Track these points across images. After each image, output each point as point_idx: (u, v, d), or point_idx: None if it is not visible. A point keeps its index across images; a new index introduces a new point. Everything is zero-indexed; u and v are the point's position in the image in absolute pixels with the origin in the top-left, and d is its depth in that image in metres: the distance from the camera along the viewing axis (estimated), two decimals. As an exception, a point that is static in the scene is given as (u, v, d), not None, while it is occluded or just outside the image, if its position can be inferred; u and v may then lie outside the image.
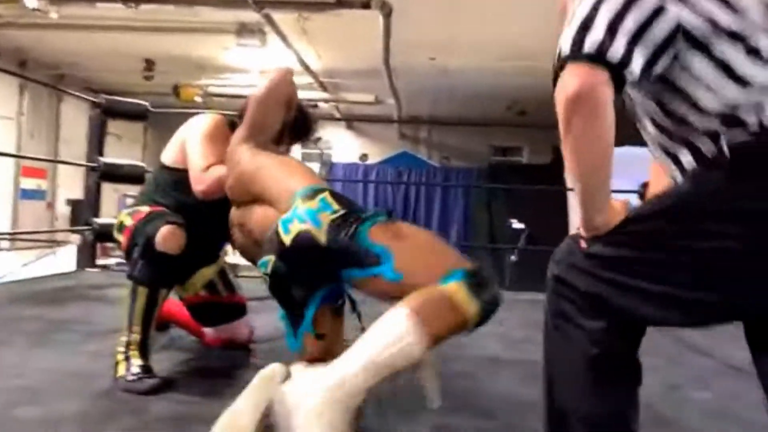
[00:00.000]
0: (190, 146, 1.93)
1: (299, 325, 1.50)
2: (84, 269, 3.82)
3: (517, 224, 7.80)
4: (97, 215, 3.85)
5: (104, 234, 3.35)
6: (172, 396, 1.62)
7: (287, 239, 1.41)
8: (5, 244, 7.27)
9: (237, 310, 2.15)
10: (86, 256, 3.77)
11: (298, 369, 1.44)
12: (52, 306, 2.66)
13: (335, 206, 1.45)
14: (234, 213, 1.78)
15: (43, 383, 1.65)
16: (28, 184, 7.94)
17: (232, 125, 1.99)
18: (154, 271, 1.75)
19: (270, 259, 1.45)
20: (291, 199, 1.50)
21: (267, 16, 5.44)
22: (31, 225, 7.61)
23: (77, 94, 4.31)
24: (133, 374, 1.65)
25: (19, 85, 7.74)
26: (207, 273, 2.11)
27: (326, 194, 1.49)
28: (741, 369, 2.06)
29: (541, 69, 7.79)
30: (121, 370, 1.68)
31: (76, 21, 6.07)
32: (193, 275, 2.08)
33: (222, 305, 2.11)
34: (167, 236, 1.71)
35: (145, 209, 1.88)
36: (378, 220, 1.43)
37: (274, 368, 1.37)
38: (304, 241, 1.40)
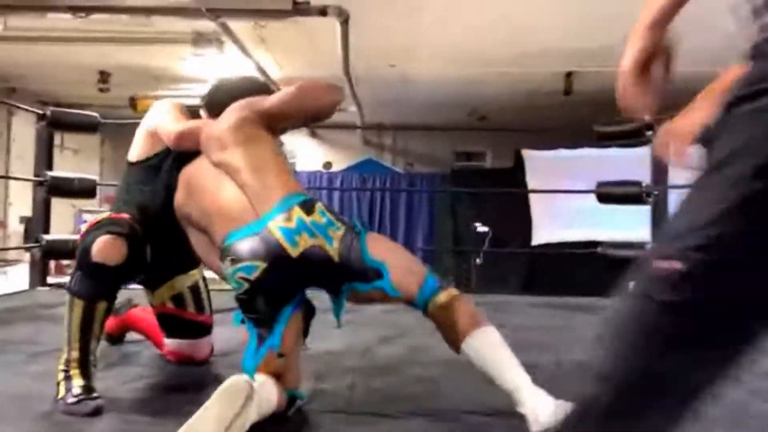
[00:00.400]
0: (160, 121, 1.86)
1: (265, 339, 1.48)
2: (35, 288, 3.68)
3: (481, 227, 7.86)
4: (47, 231, 3.71)
5: (54, 251, 3.23)
6: (120, 415, 1.55)
7: (294, 251, 1.44)
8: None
9: (202, 328, 2.06)
10: (37, 275, 3.62)
11: (261, 380, 1.40)
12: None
13: (337, 222, 1.54)
14: (189, 171, 1.72)
15: (-19, 408, 1.56)
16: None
17: (194, 114, 1.94)
18: (90, 283, 1.65)
19: (259, 265, 1.42)
20: (277, 202, 1.50)
21: (223, 24, 5.36)
22: (-18, 244, 7.34)
23: (22, 106, 4.16)
24: (74, 396, 1.56)
25: (-34, 99, 7.46)
26: (178, 284, 2.01)
27: (322, 207, 1.56)
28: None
29: (498, 75, 7.93)
30: (62, 391, 1.59)
31: (25, 33, 5.88)
32: (164, 282, 1.99)
33: (186, 321, 2.02)
34: (103, 247, 1.61)
35: (104, 216, 1.81)
36: (366, 233, 1.56)
37: (240, 382, 1.33)
38: (315, 256, 1.46)
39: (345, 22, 4.81)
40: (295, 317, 1.53)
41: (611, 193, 3.39)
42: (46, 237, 3.30)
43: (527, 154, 8.39)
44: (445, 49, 6.58)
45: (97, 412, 1.54)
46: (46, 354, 2.08)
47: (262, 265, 1.43)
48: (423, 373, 1.97)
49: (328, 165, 9.85)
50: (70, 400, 1.56)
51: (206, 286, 2.11)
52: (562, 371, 2.01)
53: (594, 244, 3.81)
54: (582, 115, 6.02)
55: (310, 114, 1.82)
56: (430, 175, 9.15)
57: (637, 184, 3.24)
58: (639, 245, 3.22)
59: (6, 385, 1.75)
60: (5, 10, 4.60)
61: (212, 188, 1.62)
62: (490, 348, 1.53)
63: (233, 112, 1.69)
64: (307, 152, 11.03)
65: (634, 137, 3.27)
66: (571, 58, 6.97)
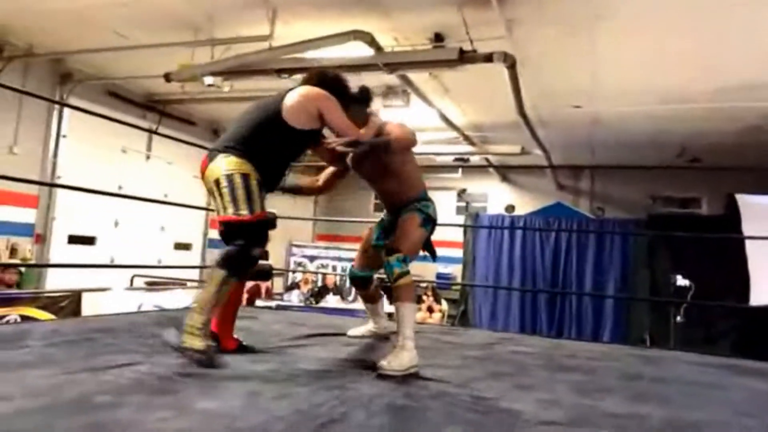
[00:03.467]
0: (335, 113, 2.42)
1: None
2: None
3: (681, 280, 7.05)
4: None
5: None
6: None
7: None
8: (193, 284, 8.46)
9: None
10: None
11: None
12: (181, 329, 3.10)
13: None
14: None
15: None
16: (216, 234, 9.19)
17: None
18: (245, 269, 2.25)
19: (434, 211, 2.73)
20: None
21: (404, 77, 5.83)
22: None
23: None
24: (206, 349, 2.12)
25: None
26: None
27: None
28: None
29: (702, 111, 7.20)
30: (199, 343, 2.12)
31: (251, 93, 7.08)
32: None
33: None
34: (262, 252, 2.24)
35: (257, 209, 2.23)
36: None
37: None
38: None
39: (512, 66, 4.89)
40: None
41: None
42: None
43: (743, 199, 7.36)
44: (631, 88, 6.23)
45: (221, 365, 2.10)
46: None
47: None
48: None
49: (510, 208, 9.76)
50: (209, 349, 2.13)
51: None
52: (662, 427, 1.81)
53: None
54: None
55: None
56: (623, 221, 8.50)
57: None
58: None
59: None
60: (231, 75, 5.64)
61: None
62: (399, 315, 2.39)
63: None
64: (496, 195, 11.09)
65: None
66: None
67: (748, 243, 6.90)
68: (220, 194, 2.23)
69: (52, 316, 4.50)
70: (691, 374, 2.76)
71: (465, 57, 4.68)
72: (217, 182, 2.24)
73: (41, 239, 6.92)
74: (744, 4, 4.38)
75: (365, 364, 2.37)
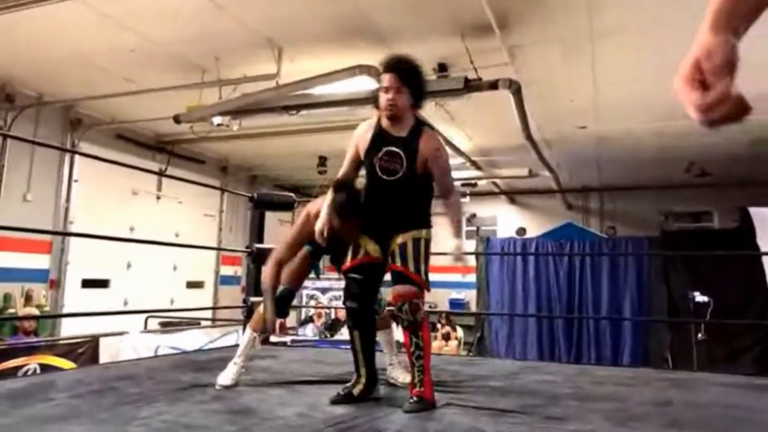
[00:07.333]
0: None
1: None
2: (245, 342, 4.30)
3: (700, 297, 6.97)
4: (258, 294, 4.39)
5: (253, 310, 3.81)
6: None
7: None
8: (207, 322, 8.44)
9: None
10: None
11: None
12: (200, 372, 3.08)
13: None
14: None
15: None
16: (227, 271, 9.22)
17: None
18: None
19: None
20: None
21: (410, 107, 5.86)
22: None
23: (234, 191, 5.03)
24: None
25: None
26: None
27: None
28: None
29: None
30: None
31: (259, 130, 7.17)
32: None
33: None
34: None
35: None
36: None
37: None
38: None
39: (517, 92, 4.92)
40: None
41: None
42: (251, 299, 3.92)
43: (757, 212, 7.31)
44: (635, 105, 6.24)
45: None
46: (223, 397, 2.49)
47: None
48: None
49: (521, 231, 9.72)
50: None
51: None
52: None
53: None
54: None
55: None
56: (636, 239, 8.43)
57: None
58: None
59: (181, 417, 2.14)
60: (239, 114, 5.70)
61: None
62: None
63: None
64: (506, 218, 11.06)
65: None
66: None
67: (765, 256, 6.83)
68: None
69: (72, 364, 4.48)
70: (722, 397, 2.70)
71: (470, 86, 4.72)
72: None
73: (56, 284, 6.95)
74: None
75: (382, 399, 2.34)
